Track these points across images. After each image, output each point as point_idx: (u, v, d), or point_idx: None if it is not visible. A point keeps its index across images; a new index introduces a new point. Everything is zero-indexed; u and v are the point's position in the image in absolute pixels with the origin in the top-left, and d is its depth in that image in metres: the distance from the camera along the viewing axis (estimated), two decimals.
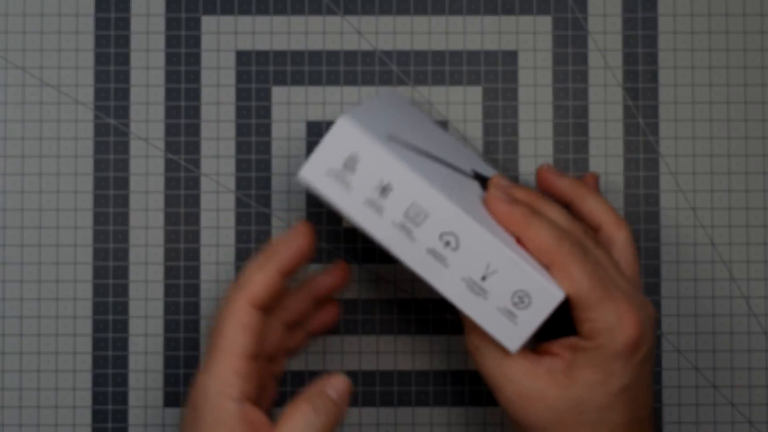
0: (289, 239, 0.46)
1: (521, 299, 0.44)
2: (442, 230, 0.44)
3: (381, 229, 0.44)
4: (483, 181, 0.49)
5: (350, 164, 0.44)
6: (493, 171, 0.52)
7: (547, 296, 0.44)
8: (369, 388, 0.55)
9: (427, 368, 0.55)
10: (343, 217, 0.44)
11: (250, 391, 0.44)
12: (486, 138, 0.55)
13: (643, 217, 0.55)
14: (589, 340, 0.44)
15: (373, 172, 0.44)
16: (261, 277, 0.45)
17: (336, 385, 0.45)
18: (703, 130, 0.55)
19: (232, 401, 0.44)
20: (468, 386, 0.55)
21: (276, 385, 0.50)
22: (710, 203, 0.55)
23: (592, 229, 0.49)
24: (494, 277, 0.44)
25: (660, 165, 0.55)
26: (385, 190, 0.44)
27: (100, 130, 0.55)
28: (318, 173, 0.43)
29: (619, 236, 0.48)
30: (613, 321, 0.44)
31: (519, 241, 0.45)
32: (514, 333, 0.44)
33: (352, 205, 0.44)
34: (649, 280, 0.55)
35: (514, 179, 0.55)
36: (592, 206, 0.49)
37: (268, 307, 0.46)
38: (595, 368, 0.44)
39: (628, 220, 0.55)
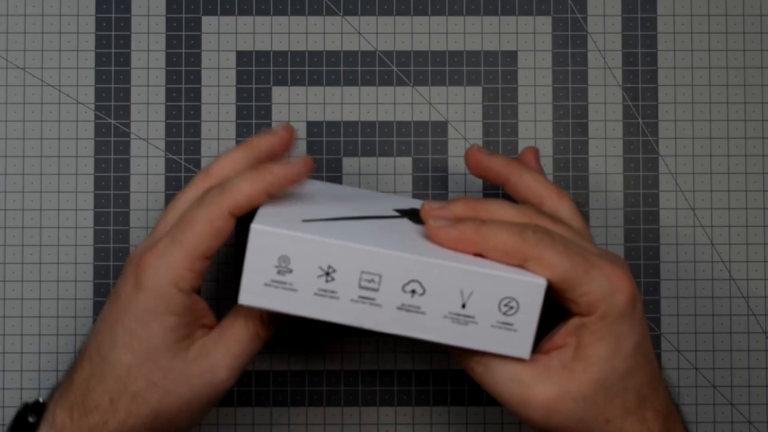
0: (291, 167, 0.45)
1: (509, 306, 0.43)
2: (402, 283, 0.42)
3: (344, 312, 0.42)
4: (410, 214, 0.48)
5: (284, 266, 0.42)
6: (415, 200, 0.51)
7: (531, 290, 0.43)
8: (369, 388, 0.55)
9: (427, 368, 0.55)
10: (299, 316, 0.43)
11: (197, 287, 0.45)
12: (486, 138, 0.55)
13: (642, 217, 0.55)
14: (590, 314, 0.43)
15: (309, 262, 0.42)
16: (250, 192, 0.44)
17: None
18: (703, 130, 0.55)
19: (181, 292, 0.44)
20: (468, 386, 0.55)
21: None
22: (709, 203, 0.55)
23: (535, 204, 0.47)
24: (473, 300, 0.43)
25: (659, 165, 0.55)
26: (329, 273, 0.42)
27: (100, 130, 0.55)
28: (256, 292, 0.42)
29: (563, 206, 0.47)
30: (606, 286, 0.43)
31: (482, 255, 0.44)
32: (519, 340, 0.43)
33: (305, 303, 0.42)
34: (648, 281, 0.55)
35: None
36: (530, 182, 0.47)
37: (241, 216, 0.45)
38: (605, 339, 0.43)
39: (627, 220, 0.55)
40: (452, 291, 0.43)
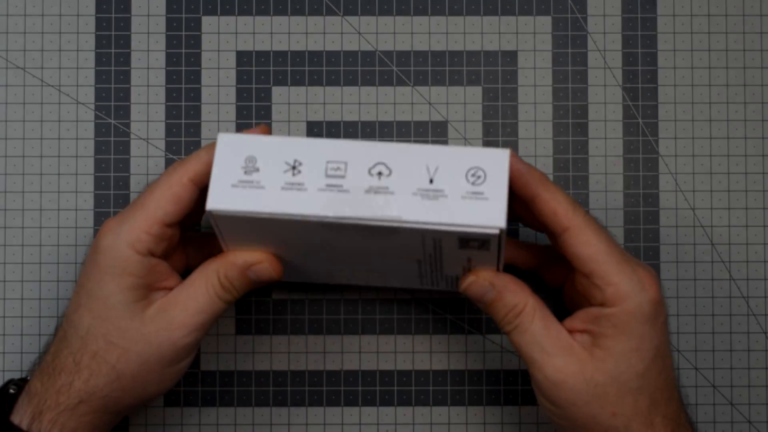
0: (246, 132, 0.46)
1: (476, 176, 0.43)
2: (368, 166, 0.43)
3: (312, 204, 0.42)
4: None
5: (250, 166, 0.43)
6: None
7: (496, 158, 0.43)
8: (369, 388, 0.55)
9: (427, 368, 0.55)
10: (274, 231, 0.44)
11: (156, 252, 0.46)
12: (486, 138, 0.55)
13: (642, 217, 0.55)
14: (613, 306, 0.44)
15: (275, 158, 0.43)
16: (208, 159, 0.45)
17: (259, 272, 0.46)
18: (703, 130, 0.56)
19: (138, 254, 0.45)
20: (468, 386, 0.55)
21: (184, 254, 0.50)
22: (709, 203, 0.55)
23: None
24: (440, 174, 0.43)
25: (659, 165, 0.55)
26: (295, 167, 0.43)
27: (100, 130, 0.55)
28: (224, 196, 0.43)
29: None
30: (636, 283, 0.44)
31: (532, 202, 0.45)
32: (491, 209, 0.42)
33: (273, 200, 0.42)
34: None
35: None
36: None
37: (206, 186, 0.45)
38: (627, 336, 0.44)
39: (627, 220, 0.55)
40: (418, 168, 0.43)
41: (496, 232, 0.42)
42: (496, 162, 0.43)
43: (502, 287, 0.46)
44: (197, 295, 0.46)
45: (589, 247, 0.44)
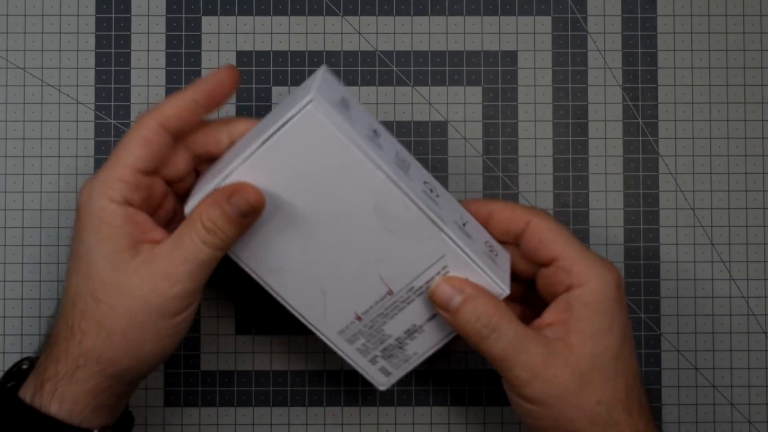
0: (212, 75, 0.46)
1: (491, 248, 0.47)
2: (423, 179, 0.46)
3: (385, 161, 0.44)
4: None
5: (345, 104, 0.44)
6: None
7: (503, 252, 0.48)
8: (369, 388, 0.55)
9: (427, 368, 0.55)
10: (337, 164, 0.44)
11: (133, 200, 0.45)
12: (486, 138, 0.55)
13: (642, 217, 0.55)
14: (581, 285, 0.46)
15: (363, 116, 0.45)
16: (174, 101, 0.45)
17: (238, 202, 0.44)
18: (703, 130, 0.56)
19: (113, 203, 0.44)
20: (468, 386, 0.55)
21: (175, 201, 0.49)
22: (709, 203, 0.55)
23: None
24: (468, 226, 0.47)
25: (659, 165, 0.55)
26: (376, 132, 0.45)
27: (100, 130, 0.55)
28: (323, 101, 0.43)
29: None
30: (600, 265, 0.46)
31: (490, 218, 0.48)
32: (499, 272, 0.46)
33: (359, 134, 0.43)
34: (648, 280, 0.55)
35: (514, 179, 0.55)
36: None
37: (177, 132, 0.46)
38: (599, 314, 0.45)
39: (627, 221, 0.55)
40: (455, 211, 0.47)
41: (501, 292, 0.46)
42: (503, 253, 0.48)
43: (473, 290, 0.45)
44: (181, 244, 0.44)
45: (551, 232, 0.47)
